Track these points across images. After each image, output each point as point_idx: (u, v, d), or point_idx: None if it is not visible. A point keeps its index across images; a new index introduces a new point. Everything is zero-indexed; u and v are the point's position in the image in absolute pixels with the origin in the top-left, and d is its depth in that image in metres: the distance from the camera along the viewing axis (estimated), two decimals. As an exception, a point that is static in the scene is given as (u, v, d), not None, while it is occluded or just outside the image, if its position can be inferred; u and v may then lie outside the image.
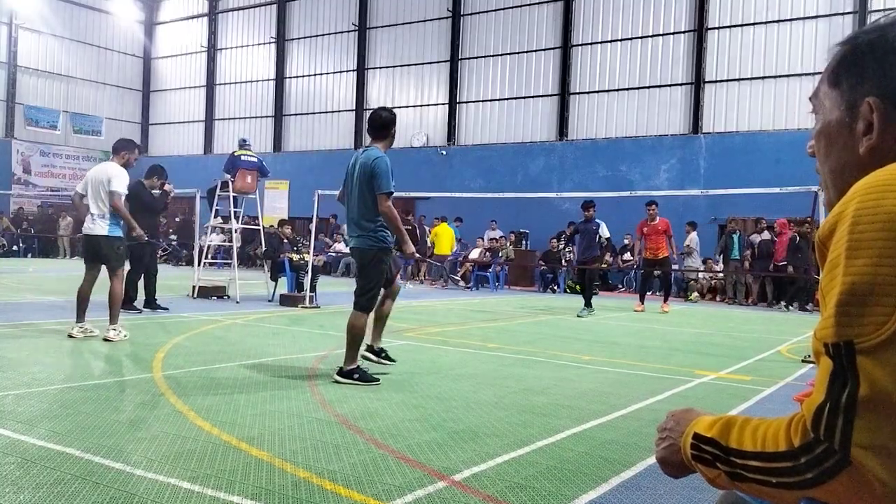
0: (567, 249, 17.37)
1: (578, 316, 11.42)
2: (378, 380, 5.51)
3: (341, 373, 5.44)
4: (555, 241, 18.02)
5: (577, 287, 14.63)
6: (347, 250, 20.69)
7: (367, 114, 26.57)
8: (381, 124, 5.64)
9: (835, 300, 0.90)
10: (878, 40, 1.04)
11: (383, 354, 6.00)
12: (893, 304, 0.86)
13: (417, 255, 5.69)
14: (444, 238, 18.53)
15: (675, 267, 14.83)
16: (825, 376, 0.90)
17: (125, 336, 6.95)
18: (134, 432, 3.81)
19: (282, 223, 13.87)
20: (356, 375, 5.40)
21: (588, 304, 11.80)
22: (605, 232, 12.33)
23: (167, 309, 9.76)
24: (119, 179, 7.04)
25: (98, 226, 7.00)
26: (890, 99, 1.01)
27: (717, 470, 1.02)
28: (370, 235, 5.50)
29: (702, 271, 16.98)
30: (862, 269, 0.89)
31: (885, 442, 0.85)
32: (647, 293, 13.87)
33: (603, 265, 12.48)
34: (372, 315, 5.69)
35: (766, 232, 16.05)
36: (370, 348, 5.93)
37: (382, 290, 5.79)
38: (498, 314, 11.76)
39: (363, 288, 5.55)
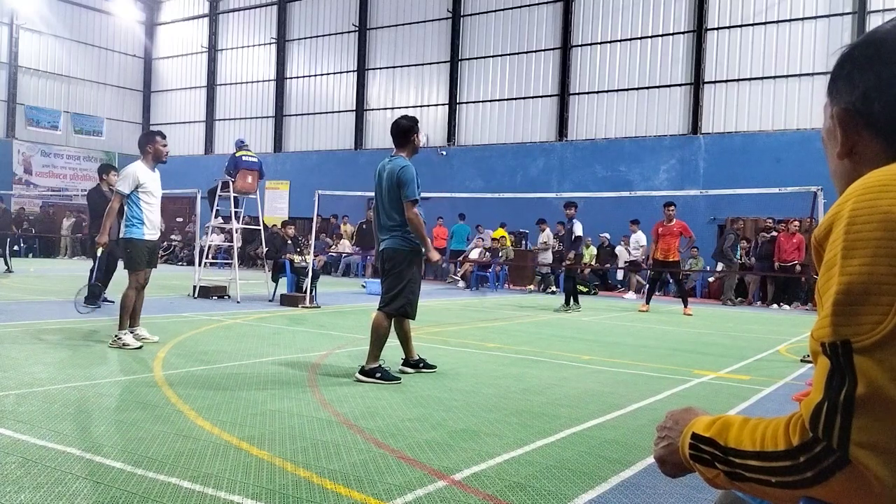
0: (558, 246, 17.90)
1: (555, 311, 11.53)
2: (399, 378, 5.55)
3: (363, 371, 5.48)
4: (555, 241, 18.05)
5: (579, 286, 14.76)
6: (348, 250, 20.77)
7: (367, 114, 26.47)
8: (400, 132, 5.76)
9: (831, 300, 0.91)
10: (855, 50, 1.05)
11: (422, 364, 5.97)
12: (889, 303, 0.86)
13: (442, 260, 5.71)
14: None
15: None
16: (823, 376, 0.91)
17: (124, 345, 6.59)
18: (134, 432, 3.81)
19: (285, 224, 13.90)
20: (378, 374, 5.44)
21: (567, 302, 11.96)
22: (577, 230, 12.47)
23: (112, 302, 9.53)
24: (122, 180, 6.79)
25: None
26: (856, 109, 1.03)
27: (716, 469, 1.02)
28: (401, 236, 5.56)
29: (692, 272, 16.98)
30: (858, 268, 0.89)
31: (884, 440, 0.86)
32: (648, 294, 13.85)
33: (571, 262, 12.63)
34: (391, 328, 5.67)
35: (765, 232, 16.04)
36: (406, 362, 5.94)
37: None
38: (497, 314, 11.76)
39: (389, 289, 5.57)
